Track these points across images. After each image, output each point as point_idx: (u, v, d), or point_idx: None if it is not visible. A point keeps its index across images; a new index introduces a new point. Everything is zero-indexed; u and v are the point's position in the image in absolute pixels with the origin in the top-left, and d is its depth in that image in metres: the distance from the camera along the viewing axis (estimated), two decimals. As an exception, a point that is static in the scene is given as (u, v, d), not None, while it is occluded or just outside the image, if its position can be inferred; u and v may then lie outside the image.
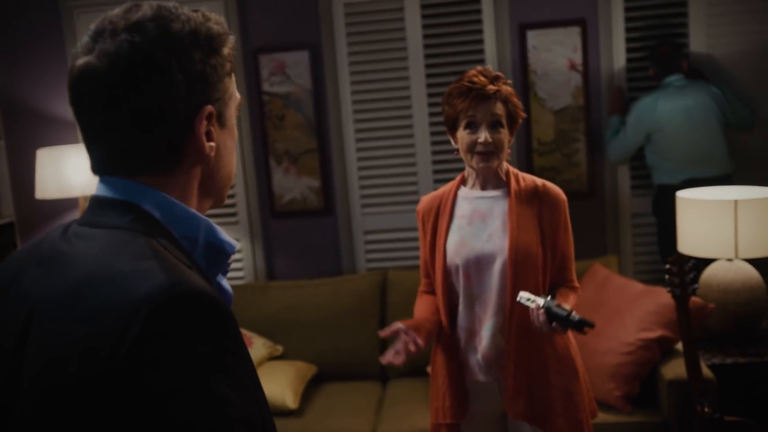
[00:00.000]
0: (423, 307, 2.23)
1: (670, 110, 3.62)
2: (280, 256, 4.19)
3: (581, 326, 1.87)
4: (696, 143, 3.63)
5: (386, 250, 4.12)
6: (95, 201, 0.93)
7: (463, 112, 2.07)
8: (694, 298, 2.61)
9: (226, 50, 0.96)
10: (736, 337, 2.98)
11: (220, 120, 0.96)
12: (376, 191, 4.10)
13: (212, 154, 0.95)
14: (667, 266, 2.44)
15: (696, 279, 2.45)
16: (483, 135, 2.04)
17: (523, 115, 2.14)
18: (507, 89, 2.08)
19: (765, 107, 3.93)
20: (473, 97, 2.05)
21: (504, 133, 2.07)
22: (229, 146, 1.00)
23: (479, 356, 2.09)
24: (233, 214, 4.17)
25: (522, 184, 2.14)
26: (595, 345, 2.64)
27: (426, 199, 2.26)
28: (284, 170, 4.13)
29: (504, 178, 2.16)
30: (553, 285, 2.15)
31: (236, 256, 4.17)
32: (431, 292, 2.26)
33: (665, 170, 3.71)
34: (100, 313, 0.77)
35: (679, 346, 2.75)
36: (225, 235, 0.98)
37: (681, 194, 3.01)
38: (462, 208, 2.18)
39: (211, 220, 0.98)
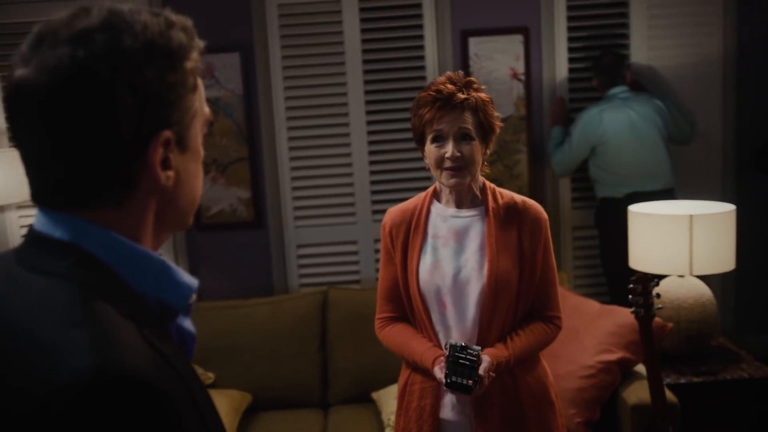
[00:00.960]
0: (416, 335, 1.98)
1: (616, 123, 3.56)
2: (207, 273, 3.92)
3: (453, 388, 1.78)
4: (641, 157, 3.58)
5: (320, 265, 3.90)
6: (33, 236, 0.82)
7: (429, 124, 1.89)
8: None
9: (189, 63, 0.82)
10: (687, 355, 2.91)
11: (181, 144, 0.83)
12: (310, 203, 3.88)
13: (170, 183, 0.82)
14: (631, 285, 2.32)
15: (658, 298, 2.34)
16: (450, 149, 1.86)
17: (500, 124, 1.96)
18: (479, 97, 1.89)
19: (703, 120, 3.93)
20: (439, 107, 1.86)
21: (475, 146, 1.88)
22: (192, 170, 0.86)
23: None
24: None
25: (500, 201, 1.96)
26: (554, 369, 2.50)
27: (395, 213, 2.03)
28: (212, 180, 3.86)
29: (479, 195, 1.97)
30: (527, 316, 1.97)
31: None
32: (402, 318, 2.03)
33: (609, 183, 3.65)
34: (13, 397, 0.68)
35: (639, 367, 2.65)
36: (183, 274, 0.85)
37: (634, 209, 2.93)
38: (436, 227, 1.97)
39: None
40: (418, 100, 1.93)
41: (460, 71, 1.97)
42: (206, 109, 0.87)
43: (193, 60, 0.83)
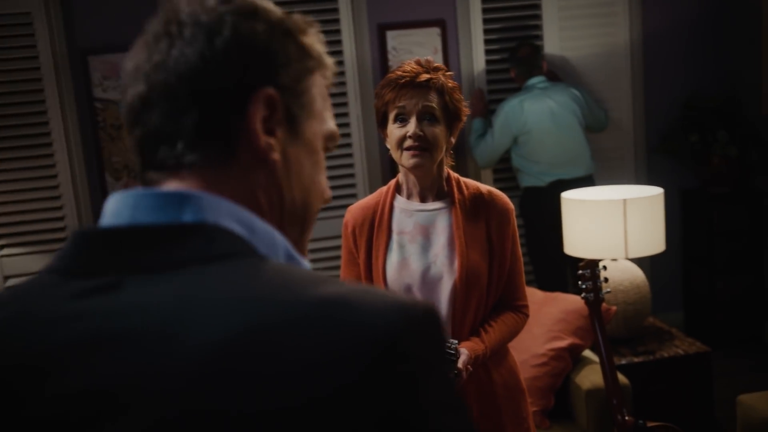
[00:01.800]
0: None
1: (536, 112, 3.60)
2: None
3: None
4: (562, 145, 3.64)
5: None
6: (138, 234, 0.64)
7: (391, 103, 1.80)
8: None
9: (307, 39, 0.75)
10: (625, 337, 2.98)
11: (292, 123, 0.72)
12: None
13: (275, 157, 0.70)
14: (579, 272, 2.34)
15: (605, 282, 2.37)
16: (412, 126, 1.78)
17: (467, 111, 1.89)
18: (446, 81, 1.83)
19: (613, 108, 4.05)
20: (402, 85, 1.78)
21: (440, 130, 1.80)
22: (304, 163, 0.75)
23: None
24: (61, 240, 3.60)
25: (465, 192, 1.89)
26: (506, 360, 2.50)
27: (356, 210, 1.93)
28: (124, 187, 3.62)
29: (446, 186, 1.91)
30: (496, 306, 1.93)
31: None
32: None
33: (533, 172, 3.69)
34: (322, 359, 0.56)
35: (587, 353, 2.68)
36: (305, 263, 0.74)
37: (567, 195, 2.96)
38: (401, 223, 1.89)
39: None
40: (382, 81, 1.85)
41: (429, 57, 1.90)
42: (333, 125, 0.78)
43: (313, 39, 0.75)
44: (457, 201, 1.87)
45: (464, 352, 1.77)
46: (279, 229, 0.71)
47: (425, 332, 0.62)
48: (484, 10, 3.84)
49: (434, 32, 3.80)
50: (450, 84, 1.84)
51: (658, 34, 4.04)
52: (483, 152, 3.72)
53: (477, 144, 3.75)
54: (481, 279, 1.84)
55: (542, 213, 3.59)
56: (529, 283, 3.89)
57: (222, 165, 0.67)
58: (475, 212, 1.87)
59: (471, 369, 1.78)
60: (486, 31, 3.86)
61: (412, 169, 1.83)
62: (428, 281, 1.84)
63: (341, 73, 3.73)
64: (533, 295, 2.74)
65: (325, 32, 3.62)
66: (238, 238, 0.65)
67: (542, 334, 2.56)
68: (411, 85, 1.79)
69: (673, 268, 4.26)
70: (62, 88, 3.53)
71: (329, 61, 0.78)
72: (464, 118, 1.88)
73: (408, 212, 1.89)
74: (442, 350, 0.66)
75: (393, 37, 3.78)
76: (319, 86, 0.76)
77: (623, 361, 2.80)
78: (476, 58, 3.86)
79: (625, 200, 2.78)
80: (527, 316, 1.97)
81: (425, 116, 1.79)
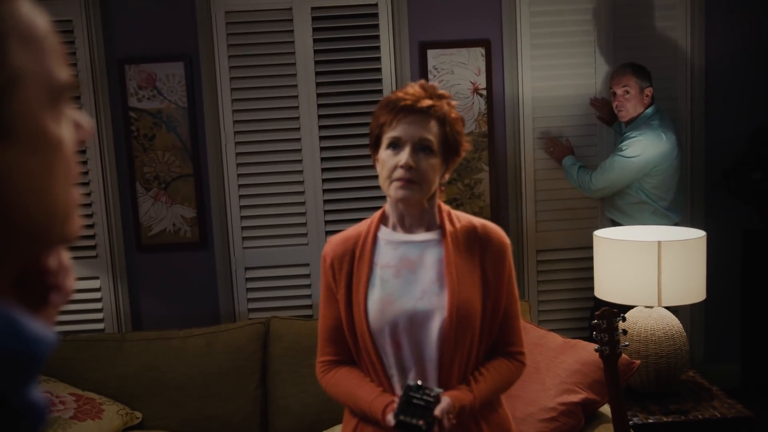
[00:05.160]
0: (364, 381, 1.73)
1: (669, 143, 3.34)
2: (147, 298, 3.65)
3: (401, 428, 1.53)
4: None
5: (270, 289, 3.66)
6: None
7: (386, 127, 1.64)
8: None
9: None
10: (656, 392, 2.71)
11: None
12: (258, 222, 3.63)
13: None
14: (594, 321, 2.12)
15: (624, 334, 2.14)
16: (405, 156, 1.62)
17: (467, 147, 1.73)
18: (449, 110, 1.67)
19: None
20: (401, 109, 1.62)
21: (434, 163, 1.64)
22: (28, 167, 0.56)
23: None
24: (91, 247, 3.59)
25: (457, 225, 1.72)
26: (513, 410, 2.28)
27: (336, 242, 1.77)
28: (153, 197, 3.60)
29: (437, 218, 1.74)
30: (490, 352, 1.75)
31: (94, 295, 3.59)
32: (347, 362, 1.77)
33: (657, 209, 3.40)
34: None
35: (604, 408, 2.44)
36: (35, 326, 0.55)
37: (600, 233, 2.73)
38: (385, 255, 1.72)
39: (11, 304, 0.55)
40: (381, 101, 1.70)
41: (435, 83, 1.74)
42: (55, 70, 0.58)
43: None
44: (448, 233, 1.70)
45: (445, 400, 1.58)
46: (7, 266, 0.56)
47: None
48: (533, 35, 3.64)
49: (478, 52, 3.63)
50: (453, 115, 1.68)
51: (720, 64, 3.74)
52: (608, 180, 3.38)
53: (586, 175, 3.47)
54: (474, 320, 1.66)
55: None
56: (568, 328, 3.66)
57: None
58: (468, 246, 1.70)
59: (454, 421, 1.59)
60: (534, 56, 3.65)
61: (399, 201, 1.68)
62: (415, 320, 1.66)
63: (379, 92, 3.60)
64: (551, 340, 2.52)
65: (365, 49, 3.54)
66: None
67: (554, 386, 2.34)
68: (410, 109, 1.63)
69: (731, 316, 3.93)
70: (98, 96, 3.53)
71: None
72: (463, 154, 1.72)
73: (393, 244, 1.73)
74: None
75: (434, 56, 3.62)
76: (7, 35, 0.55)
77: (650, 420, 2.55)
78: (523, 80, 3.66)
79: (659, 242, 2.54)
80: (523, 364, 1.78)
81: (421, 147, 1.63)
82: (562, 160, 3.60)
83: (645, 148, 3.27)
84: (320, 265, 1.81)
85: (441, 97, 1.68)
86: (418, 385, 1.57)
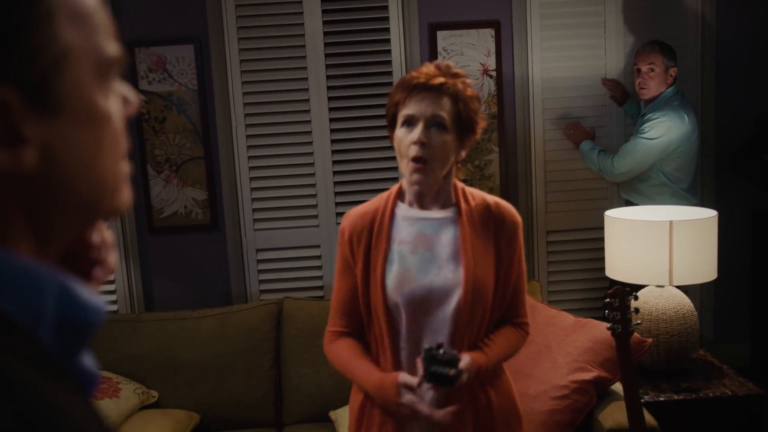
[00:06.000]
0: (363, 356, 1.78)
1: (690, 124, 3.33)
2: (160, 280, 3.68)
3: (433, 380, 1.58)
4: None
5: (281, 270, 3.68)
6: None
7: (401, 105, 1.68)
8: (630, 333, 2.32)
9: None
10: (667, 371, 2.73)
11: (42, 102, 0.54)
12: (269, 204, 3.65)
13: (26, 164, 0.53)
14: (607, 300, 2.13)
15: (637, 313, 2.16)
16: (417, 133, 1.64)
17: (482, 123, 1.76)
18: (463, 88, 1.69)
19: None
20: (413, 88, 1.66)
21: (447, 139, 1.66)
22: (81, 139, 0.57)
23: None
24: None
25: (472, 203, 1.76)
26: (524, 388, 2.31)
27: (354, 216, 1.81)
28: (165, 180, 3.62)
29: (452, 196, 1.77)
30: (498, 322, 1.81)
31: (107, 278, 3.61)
32: (355, 335, 1.81)
33: (676, 190, 3.40)
34: None
35: (616, 386, 2.46)
36: (88, 294, 0.58)
37: (611, 213, 2.74)
38: (403, 231, 1.75)
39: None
40: (397, 82, 1.74)
41: (450, 63, 1.77)
42: (104, 45, 0.59)
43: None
44: (463, 212, 1.74)
45: (466, 357, 1.65)
46: (62, 235, 0.58)
47: None
48: (543, 15, 3.63)
49: (488, 33, 3.62)
50: (468, 92, 1.71)
51: (731, 46, 3.73)
52: (629, 164, 3.35)
53: (607, 159, 3.45)
54: (487, 295, 1.72)
55: None
56: (579, 307, 3.68)
57: None
58: (482, 225, 1.75)
59: (471, 377, 1.65)
60: (544, 37, 3.64)
61: (414, 183, 1.71)
62: (431, 296, 1.71)
63: (388, 73, 3.60)
64: (563, 319, 2.54)
65: (374, 31, 3.54)
66: None
67: (566, 364, 2.37)
68: (423, 87, 1.66)
69: (740, 296, 3.94)
70: (109, 79, 3.54)
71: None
72: (479, 131, 1.75)
73: (410, 220, 1.76)
74: None
75: (444, 38, 3.62)
76: (49, 13, 0.56)
77: (662, 397, 2.57)
78: (533, 61, 3.66)
79: (671, 222, 2.55)
80: (527, 333, 1.85)
81: (434, 123, 1.66)
82: (579, 144, 3.58)
83: (668, 130, 3.25)
84: (337, 240, 1.84)
85: (455, 75, 1.71)
86: (439, 344, 1.62)
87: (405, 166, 1.70)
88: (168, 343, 2.83)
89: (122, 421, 2.60)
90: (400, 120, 1.70)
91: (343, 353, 1.78)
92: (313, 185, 3.64)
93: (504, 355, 1.78)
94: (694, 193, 3.43)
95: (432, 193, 1.75)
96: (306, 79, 3.57)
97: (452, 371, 1.57)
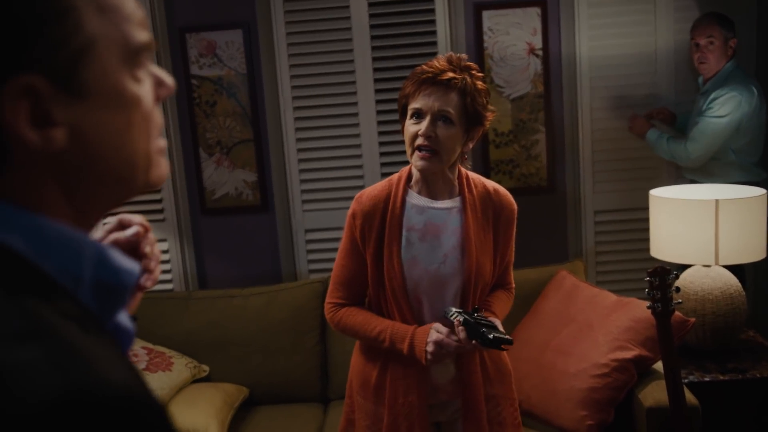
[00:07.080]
0: (373, 315, 1.91)
1: (758, 97, 3.25)
2: (212, 259, 3.79)
3: (498, 344, 1.68)
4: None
5: (329, 250, 3.75)
6: None
7: (411, 98, 1.78)
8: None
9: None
10: (713, 350, 2.71)
11: (70, 88, 0.60)
12: (318, 186, 3.72)
13: (58, 144, 0.59)
14: (647, 278, 2.13)
15: (678, 292, 2.14)
16: (424, 125, 1.74)
17: (489, 116, 1.82)
18: (472, 82, 1.77)
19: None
20: (423, 81, 1.75)
21: (454, 132, 1.76)
22: (108, 122, 0.63)
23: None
24: (159, 211, 3.74)
25: (474, 192, 1.89)
26: (564, 366, 2.32)
27: (367, 200, 1.89)
28: (216, 162, 3.72)
29: (457, 185, 1.88)
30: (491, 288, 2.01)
31: (163, 257, 3.75)
32: (356, 304, 1.95)
33: (746, 165, 3.30)
34: None
35: (657, 365, 2.46)
36: (122, 259, 0.65)
37: (655, 192, 2.72)
38: (413, 219, 1.86)
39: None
40: (410, 73, 1.83)
41: (464, 54, 1.84)
42: (131, 33, 0.64)
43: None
44: (468, 203, 1.85)
45: (497, 319, 1.83)
46: (97, 206, 0.64)
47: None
48: (590, -11, 3.58)
49: (534, 12, 3.59)
50: (478, 85, 1.78)
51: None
52: (704, 148, 3.22)
53: (680, 145, 3.31)
54: (486, 279, 1.88)
55: None
56: (624, 287, 3.65)
57: None
58: (483, 212, 1.87)
59: None
60: (591, 14, 3.60)
61: (420, 171, 1.82)
62: (436, 282, 1.84)
63: (434, 54, 3.61)
64: (604, 298, 2.54)
65: (418, 12, 3.55)
66: (5, 251, 0.56)
67: (606, 343, 2.37)
68: (431, 81, 1.75)
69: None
70: (162, 65, 3.65)
71: None
72: (486, 124, 1.85)
73: (419, 208, 1.86)
74: None
75: (489, 17, 3.61)
76: (73, 3, 0.61)
77: (707, 378, 2.55)
78: (580, 40, 3.62)
79: (717, 201, 2.51)
80: (513, 295, 2.05)
81: (440, 117, 1.75)
82: (644, 134, 3.51)
83: (739, 104, 3.15)
84: (346, 220, 1.92)
85: (466, 68, 1.79)
86: (476, 308, 1.79)
87: (411, 155, 1.80)
88: (217, 320, 2.93)
89: (175, 393, 2.71)
90: (409, 112, 1.79)
91: (357, 316, 1.89)
92: (360, 167, 3.69)
93: (503, 316, 1.95)
94: (764, 166, 3.32)
95: (437, 180, 1.84)
96: (352, 61, 3.61)
97: (509, 335, 1.70)
